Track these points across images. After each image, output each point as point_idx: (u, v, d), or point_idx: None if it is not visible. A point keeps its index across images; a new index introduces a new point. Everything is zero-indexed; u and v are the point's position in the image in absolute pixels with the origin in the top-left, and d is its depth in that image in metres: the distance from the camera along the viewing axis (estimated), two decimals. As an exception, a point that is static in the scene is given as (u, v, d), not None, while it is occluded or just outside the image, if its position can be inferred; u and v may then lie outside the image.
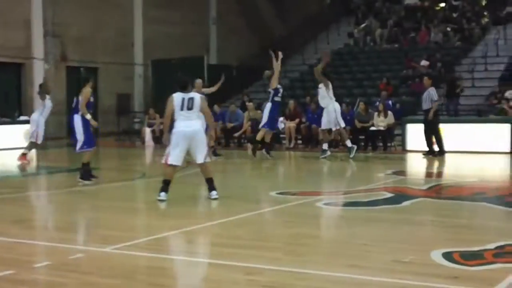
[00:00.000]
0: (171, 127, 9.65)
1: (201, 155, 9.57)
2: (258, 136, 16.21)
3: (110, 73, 28.06)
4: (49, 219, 9.06)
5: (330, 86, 16.13)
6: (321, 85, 16.18)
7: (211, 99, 24.37)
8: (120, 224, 8.23)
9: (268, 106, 16.17)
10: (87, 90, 11.96)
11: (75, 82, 26.63)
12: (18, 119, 21.51)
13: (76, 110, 11.84)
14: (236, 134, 20.70)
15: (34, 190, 12.17)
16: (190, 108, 9.44)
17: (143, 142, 21.86)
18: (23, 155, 15.56)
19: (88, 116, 11.77)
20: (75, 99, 12.02)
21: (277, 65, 16.13)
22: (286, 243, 7.13)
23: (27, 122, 20.99)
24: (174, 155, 9.47)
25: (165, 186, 9.54)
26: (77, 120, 11.76)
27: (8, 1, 24.01)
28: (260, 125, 16.34)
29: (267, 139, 16.31)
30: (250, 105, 21.20)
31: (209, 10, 33.06)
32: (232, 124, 20.87)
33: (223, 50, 32.64)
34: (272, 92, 16.06)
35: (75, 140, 11.87)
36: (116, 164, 17.00)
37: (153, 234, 7.42)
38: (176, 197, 9.98)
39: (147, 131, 21.77)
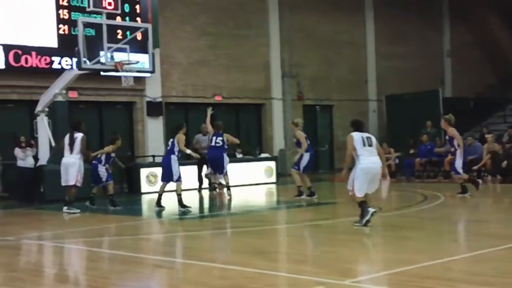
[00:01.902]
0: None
1: (374, 188, 10.51)
2: None
3: (344, 109, 28.52)
4: (289, 251, 9.35)
5: None
6: None
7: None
8: (359, 258, 8.26)
9: None
10: (181, 136, 14.06)
11: (311, 120, 27.72)
12: (259, 156, 22.63)
13: (172, 151, 13.92)
14: (475, 167, 19.87)
15: (274, 224, 12.66)
16: (370, 145, 10.23)
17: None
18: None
19: (188, 151, 14.46)
20: (170, 142, 14.08)
21: None
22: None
23: (268, 159, 22.10)
24: (360, 188, 10.18)
25: (364, 206, 10.29)
26: (174, 159, 13.90)
27: (249, 47, 25.57)
28: None
29: None
30: (489, 137, 20.29)
31: (442, 42, 32.41)
32: (470, 157, 20.07)
33: (458, 83, 31.70)
34: None
35: (169, 176, 13.91)
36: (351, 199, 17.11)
37: (392, 268, 7.34)
38: (413, 231, 9.78)
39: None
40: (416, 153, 21.76)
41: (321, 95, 27.79)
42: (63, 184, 14.54)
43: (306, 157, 15.42)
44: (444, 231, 10.36)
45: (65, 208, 14.32)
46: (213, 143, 16.64)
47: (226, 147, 16.85)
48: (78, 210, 14.23)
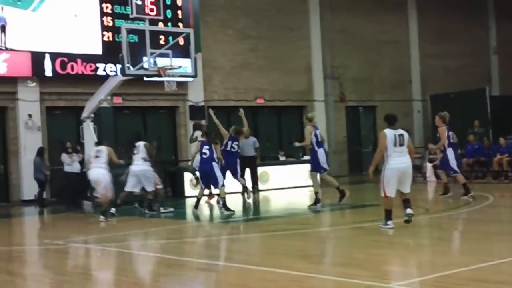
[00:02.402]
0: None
1: (409, 186, 10.49)
2: None
3: (388, 110, 28.09)
4: (333, 254, 9.30)
5: None
6: None
7: (497, 130, 23.26)
8: (404, 261, 8.15)
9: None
10: (217, 146, 14.58)
11: (354, 121, 27.55)
12: (302, 158, 22.55)
13: (213, 158, 14.25)
14: (524, 168, 19.48)
15: (318, 226, 12.59)
16: (401, 144, 10.22)
17: (424, 177, 21.57)
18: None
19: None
20: (207, 149, 14.28)
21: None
22: None
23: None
24: (390, 189, 10.27)
25: (390, 214, 10.39)
26: (215, 165, 14.28)
27: (290, 49, 25.54)
28: None
29: None
30: (539, 136, 19.85)
31: (488, 40, 31.85)
32: (517, 157, 19.69)
33: (506, 80, 31.11)
34: None
35: (214, 182, 14.27)
36: (397, 201, 16.94)
37: (439, 271, 7.21)
38: (461, 233, 9.61)
39: (428, 166, 21.48)
40: (463, 153, 21.42)
41: (364, 96, 27.60)
42: (129, 189, 14.76)
43: (322, 154, 14.38)
44: (493, 232, 10.14)
45: (162, 209, 14.99)
46: (228, 148, 16.12)
47: (239, 151, 16.44)
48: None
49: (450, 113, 14.98)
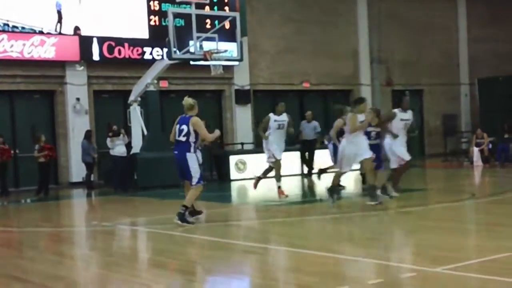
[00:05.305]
0: None
1: None
2: None
3: (435, 94, 27.95)
4: (380, 238, 9.27)
5: None
6: None
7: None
8: (450, 245, 8.09)
9: None
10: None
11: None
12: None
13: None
14: None
15: (365, 211, 12.54)
16: None
17: (471, 162, 21.31)
18: None
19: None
20: None
21: None
22: None
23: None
24: None
25: None
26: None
27: (336, 34, 25.40)
28: None
29: None
30: None
31: (539, 22, 31.12)
32: None
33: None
34: None
35: None
36: (444, 185, 16.78)
37: (486, 256, 7.16)
38: (507, 218, 9.48)
39: (475, 150, 21.20)
40: (511, 138, 21.10)
41: (411, 80, 27.30)
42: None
43: None
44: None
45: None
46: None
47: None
48: None
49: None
